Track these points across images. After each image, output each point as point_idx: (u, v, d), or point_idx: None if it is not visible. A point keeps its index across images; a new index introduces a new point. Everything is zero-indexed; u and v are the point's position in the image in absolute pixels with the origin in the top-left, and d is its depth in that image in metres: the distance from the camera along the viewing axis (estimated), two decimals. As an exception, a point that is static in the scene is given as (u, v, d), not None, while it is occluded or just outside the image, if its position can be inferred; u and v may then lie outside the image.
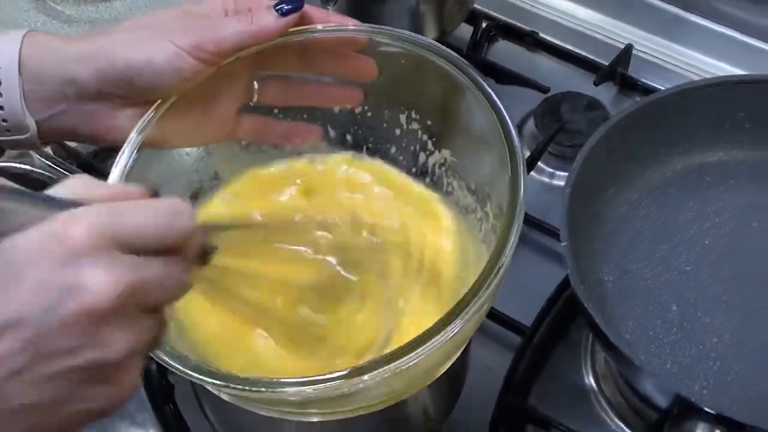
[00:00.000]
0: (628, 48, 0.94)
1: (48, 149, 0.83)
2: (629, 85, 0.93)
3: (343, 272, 0.62)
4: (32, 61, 0.56)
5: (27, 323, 0.38)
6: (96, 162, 0.85)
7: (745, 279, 0.70)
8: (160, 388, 0.73)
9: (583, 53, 0.95)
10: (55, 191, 0.41)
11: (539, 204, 0.81)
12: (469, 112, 0.59)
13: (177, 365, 0.49)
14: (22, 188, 0.63)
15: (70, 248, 0.38)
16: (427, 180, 0.66)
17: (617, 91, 0.93)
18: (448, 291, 0.61)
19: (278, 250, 0.61)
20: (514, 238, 0.51)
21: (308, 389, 0.48)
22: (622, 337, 0.62)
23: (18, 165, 0.78)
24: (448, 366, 0.57)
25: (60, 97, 0.56)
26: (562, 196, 0.67)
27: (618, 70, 0.92)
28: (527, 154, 0.85)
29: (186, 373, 0.49)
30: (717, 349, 0.66)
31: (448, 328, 0.48)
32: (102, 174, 0.69)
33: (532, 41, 0.97)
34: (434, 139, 0.65)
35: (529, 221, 0.80)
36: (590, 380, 0.73)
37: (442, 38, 0.93)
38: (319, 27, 0.60)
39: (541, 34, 0.98)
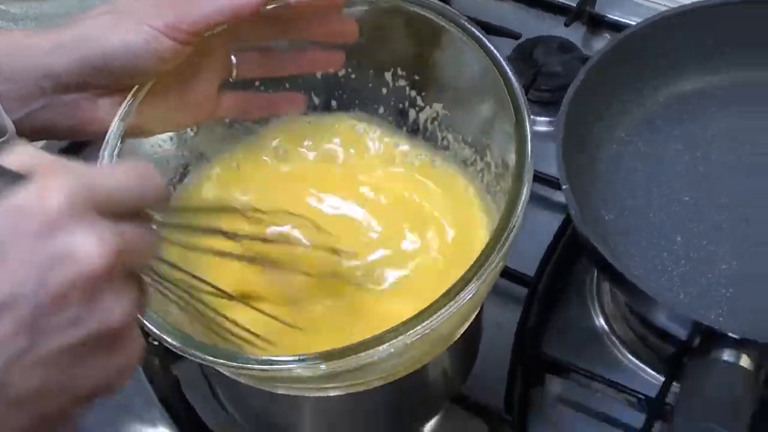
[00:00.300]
0: (594, -14, 0.93)
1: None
2: (597, 23, 0.92)
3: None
4: (4, 60, 0.54)
5: (21, 301, 0.35)
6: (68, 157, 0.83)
7: (744, 202, 0.70)
8: (166, 381, 0.71)
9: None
10: (3, 161, 0.38)
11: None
12: (457, 61, 0.58)
13: (197, 353, 0.48)
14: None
15: (51, 217, 0.36)
16: (420, 137, 0.64)
17: (586, 30, 0.92)
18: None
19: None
20: (525, 196, 0.50)
21: (327, 365, 0.47)
22: (632, 273, 0.61)
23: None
24: (466, 327, 0.57)
25: (37, 93, 0.55)
26: (555, 144, 0.66)
27: (586, 9, 0.91)
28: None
29: (205, 359, 0.48)
30: (727, 276, 0.66)
31: (468, 288, 0.47)
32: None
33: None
34: (423, 94, 0.63)
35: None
36: (600, 321, 0.72)
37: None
38: (294, -8, 0.58)
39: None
